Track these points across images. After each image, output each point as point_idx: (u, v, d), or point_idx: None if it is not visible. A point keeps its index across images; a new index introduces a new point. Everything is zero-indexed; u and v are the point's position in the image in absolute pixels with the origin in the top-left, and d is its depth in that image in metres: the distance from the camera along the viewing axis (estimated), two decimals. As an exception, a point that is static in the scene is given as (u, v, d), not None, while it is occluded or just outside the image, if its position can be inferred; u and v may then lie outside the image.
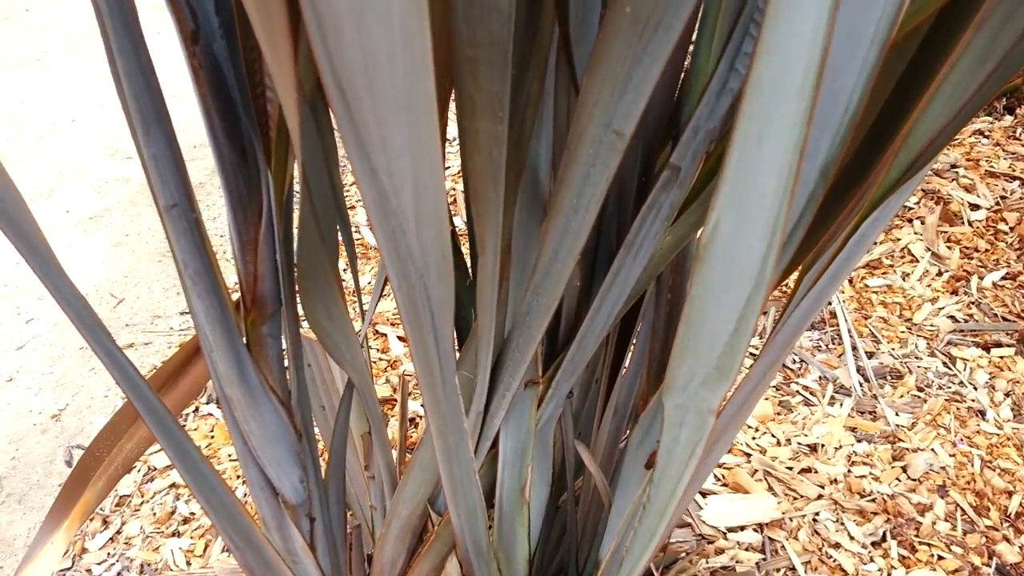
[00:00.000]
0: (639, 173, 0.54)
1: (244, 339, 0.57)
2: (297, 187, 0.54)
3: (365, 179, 0.33)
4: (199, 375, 0.85)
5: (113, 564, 1.06)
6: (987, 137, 2.26)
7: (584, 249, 0.59)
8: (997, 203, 1.84)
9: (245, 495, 1.14)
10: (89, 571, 1.06)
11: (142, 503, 1.15)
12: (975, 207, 1.81)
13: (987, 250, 1.67)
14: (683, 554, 1.00)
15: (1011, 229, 1.74)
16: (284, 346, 0.60)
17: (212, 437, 1.26)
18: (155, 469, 1.21)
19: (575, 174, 0.42)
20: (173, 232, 0.48)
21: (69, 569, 1.06)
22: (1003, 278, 1.57)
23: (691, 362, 0.42)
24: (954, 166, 2.04)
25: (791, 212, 0.35)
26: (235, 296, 0.56)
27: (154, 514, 1.13)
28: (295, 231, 0.55)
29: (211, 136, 0.47)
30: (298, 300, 0.59)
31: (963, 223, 1.76)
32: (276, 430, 0.62)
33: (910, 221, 1.75)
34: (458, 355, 0.61)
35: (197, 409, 1.31)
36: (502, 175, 0.45)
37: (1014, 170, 2.04)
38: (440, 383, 0.50)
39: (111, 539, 1.10)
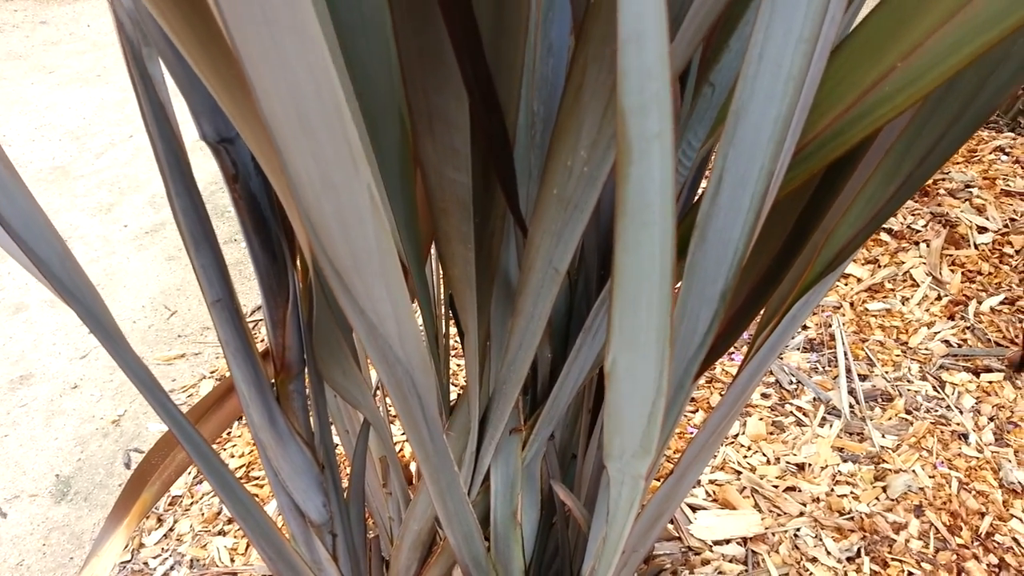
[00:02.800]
0: (598, 267, 0.65)
1: (275, 394, 0.69)
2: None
3: (355, 316, 0.45)
4: (236, 405, 0.99)
5: (167, 559, 1.21)
6: (1007, 154, 2.30)
7: (557, 327, 0.71)
8: (1006, 225, 1.90)
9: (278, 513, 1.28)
10: (146, 564, 1.21)
11: (192, 503, 1.30)
12: (982, 230, 1.87)
13: (990, 273, 1.73)
14: (668, 564, 1.11)
15: (1016, 252, 1.80)
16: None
17: (255, 443, 1.40)
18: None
19: (529, 291, 0.53)
20: (218, 320, 0.60)
21: (129, 562, 1.21)
22: (1001, 303, 1.64)
23: (619, 441, 0.53)
24: (968, 185, 2.10)
25: (681, 339, 0.46)
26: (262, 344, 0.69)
27: (202, 514, 1.27)
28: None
29: (248, 243, 0.59)
30: (320, 362, 0.71)
31: (969, 246, 1.82)
32: (302, 466, 0.74)
33: (916, 244, 1.82)
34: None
35: (241, 418, 1.45)
36: (474, 282, 0.57)
37: (1030, 188, 2.09)
38: (429, 443, 0.61)
39: (165, 536, 1.25)
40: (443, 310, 0.92)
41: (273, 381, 0.70)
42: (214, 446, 1.27)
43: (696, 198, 0.66)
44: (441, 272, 0.85)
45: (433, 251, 0.87)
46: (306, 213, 0.37)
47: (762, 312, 0.66)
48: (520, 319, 0.57)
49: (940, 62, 0.41)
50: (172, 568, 1.19)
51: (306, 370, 0.71)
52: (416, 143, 0.46)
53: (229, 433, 1.43)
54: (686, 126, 0.51)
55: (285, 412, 0.70)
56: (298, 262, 0.63)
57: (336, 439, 1.11)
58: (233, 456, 1.38)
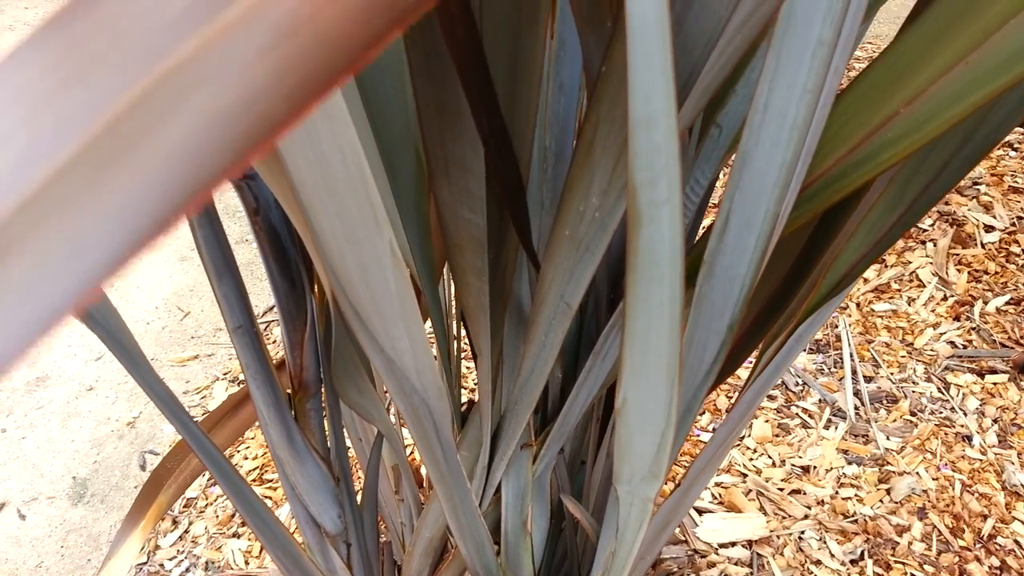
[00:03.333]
0: (608, 291, 0.67)
1: (292, 413, 0.71)
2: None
3: (374, 353, 0.47)
4: (251, 413, 1.01)
5: (182, 560, 1.24)
6: (1016, 150, 2.30)
7: (567, 346, 0.72)
8: (1013, 223, 1.90)
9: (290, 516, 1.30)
10: (162, 565, 1.24)
11: (206, 505, 1.32)
12: (989, 228, 1.88)
13: (996, 273, 1.74)
14: (675, 569, 1.13)
15: (1023, 251, 1.81)
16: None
17: (273, 460, 1.42)
18: (217, 474, 1.38)
19: (541, 322, 0.55)
20: (239, 345, 0.62)
21: (145, 564, 1.24)
22: (1007, 303, 1.65)
23: (629, 467, 0.55)
24: (976, 182, 2.10)
25: (692, 370, 0.48)
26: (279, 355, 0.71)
27: (217, 516, 1.30)
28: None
29: (268, 271, 0.61)
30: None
31: (976, 245, 1.83)
32: (318, 480, 0.76)
33: (923, 243, 1.82)
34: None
35: (256, 422, 1.48)
36: (488, 310, 0.58)
37: (1037, 185, 2.09)
38: (443, 463, 0.63)
39: (180, 538, 1.27)
40: (455, 322, 0.94)
41: (289, 395, 0.72)
42: (229, 449, 1.29)
43: (703, 223, 0.67)
44: (455, 290, 0.87)
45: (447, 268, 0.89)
46: (329, 263, 0.39)
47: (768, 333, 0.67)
48: (532, 346, 0.58)
49: (943, 111, 0.43)
50: (188, 570, 1.22)
51: (322, 388, 0.72)
52: (432, 184, 0.48)
53: (243, 435, 1.45)
54: (693, 164, 0.52)
55: (303, 430, 0.72)
56: (316, 287, 0.64)
57: (347, 442, 1.12)
58: (247, 458, 1.40)
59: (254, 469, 1.37)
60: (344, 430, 0.86)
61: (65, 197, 0.08)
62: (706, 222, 1.95)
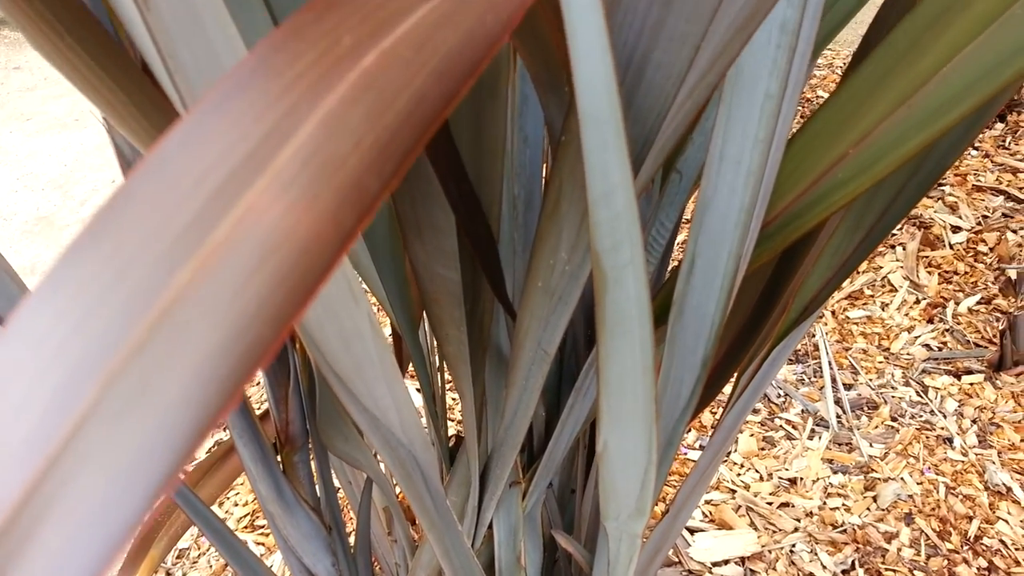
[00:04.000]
0: (585, 330, 0.68)
1: (280, 467, 0.72)
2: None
3: (358, 413, 0.48)
4: (238, 464, 1.01)
5: (178, 613, 1.23)
6: (977, 149, 2.34)
7: (548, 384, 0.73)
8: (979, 222, 1.94)
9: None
10: (157, 619, 1.23)
11: (199, 555, 1.32)
12: (956, 229, 1.92)
13: (966, 273, 1.77)
14: (670, 590, 1.14)
15: (990, 250, 1.85)
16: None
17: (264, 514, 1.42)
18: (208, 523, 1.38)
19: (520, 367, 0.56)
20: (223, 405, 0.63)
21: (140, 618, 1.23)
22: (978, 303, 1.68)
23: (615, 504, 0.56)
24: (940, 184, 2.14)
25: (667, 403, 0.49)
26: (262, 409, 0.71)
27: (210, 566, 1.29)
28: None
29: (248, 331, 0.62)
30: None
31: (944, 246, 1.87)
32: (310, 531, 0.77)
33: (892, 248, 1.86)
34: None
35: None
36: (468, 357, 0.60)
37: (1000, 183, 2.14)
38: (434, 511, 0.64)
39: (175, 590, 1.27)
40: (438, 358, 0.95)
41: (275, 447, 0.73)
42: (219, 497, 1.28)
43: (670, 266, 0.69)
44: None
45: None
46: (309, 334, 0.40)
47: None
48: (514, 390, 0.59)
49: (889, 152, 0.44)
50: (184, 623, 1.21)
51: (309, 439, 0.73)
52: (406, 243, 0.49)
53: (232, 484, 1.45)
54: (658, 208, 0.54)
55: (291, 482, 0.73)
56: (297, 342, 0.65)
57: (335, 482, 1.13)
58: (237, 504, 1.40)
59: (245, 516, 1.37)
60: (332, 473, 0.87)
61: (86, 455, 0.09)
62: (681, 238, 1.98)
